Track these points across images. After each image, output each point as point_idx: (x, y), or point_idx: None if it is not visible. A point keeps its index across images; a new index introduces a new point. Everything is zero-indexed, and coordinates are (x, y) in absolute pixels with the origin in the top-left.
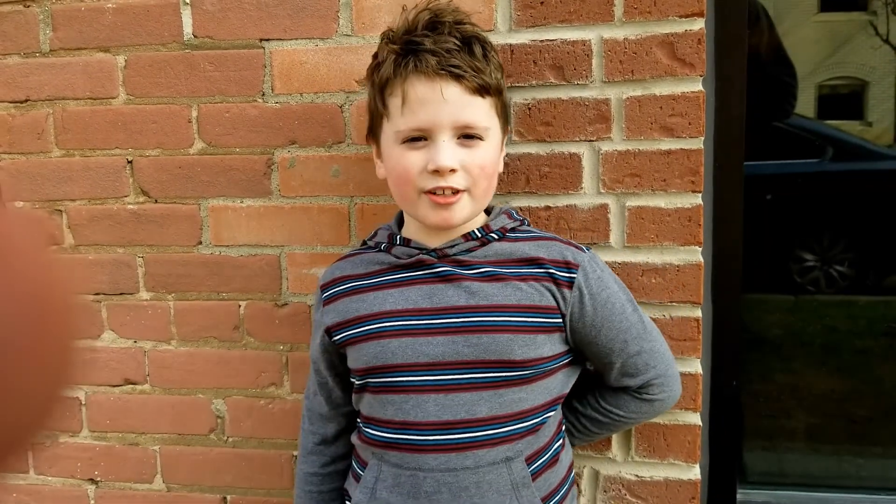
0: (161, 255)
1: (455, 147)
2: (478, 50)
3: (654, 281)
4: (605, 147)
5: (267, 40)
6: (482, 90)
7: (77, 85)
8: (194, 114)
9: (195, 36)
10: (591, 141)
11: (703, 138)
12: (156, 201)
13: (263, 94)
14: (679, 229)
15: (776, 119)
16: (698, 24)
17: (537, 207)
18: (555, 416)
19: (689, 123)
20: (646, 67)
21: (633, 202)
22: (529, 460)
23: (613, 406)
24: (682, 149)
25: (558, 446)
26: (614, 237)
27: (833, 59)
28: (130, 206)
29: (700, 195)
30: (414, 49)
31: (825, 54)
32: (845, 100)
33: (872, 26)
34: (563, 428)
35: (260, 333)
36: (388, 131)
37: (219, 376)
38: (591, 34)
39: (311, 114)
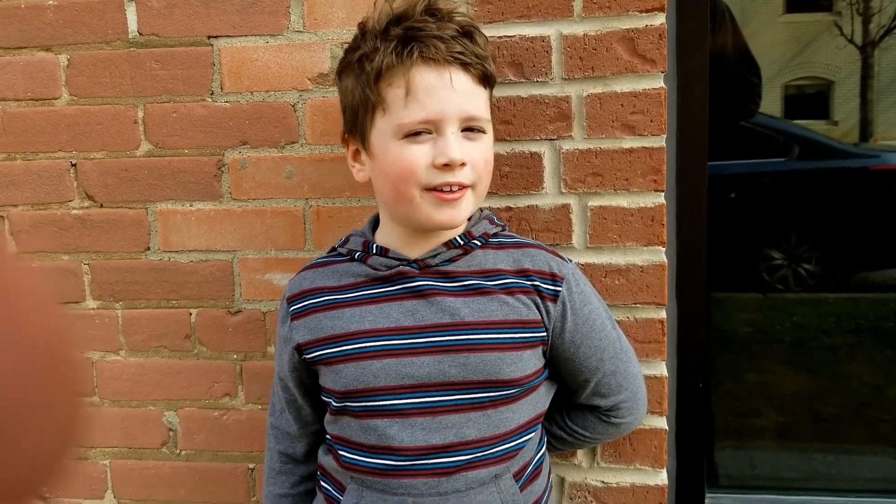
0: (107, 261)
1: (461, 140)
2: (479, 38)
3: (617, 282)
4: (566, 146)
5: (215, 37)
6: (485, 79)
7: (18, 85)
8: (140, 114)
9: (140, 33)
10: (551, 140)
11: (665, 136)
12: (101, 206)
13: (212, 94)
14: (642, 229)
15: (741, 118)
16: (659, 19)
17: (498, 208)
18: (539, 431)
19: (651, 121)
20: (606, 64)
21: (595, 202)
22: (517, 476)
23: (580, 427)
24: (643, 147)
25: (541, 456)
26: (577, 238)
27: (799, 59)
28: (75, 212)
29: (663, 194)
30: (417, 36)
31: (791, 54)
32: (811, 99)
33: (837, 27)
34: (544, 438)
35: (212, 342)
36: (386, 126)
37: (170, 387)
38: (549, 30)
39: (263, 113)
